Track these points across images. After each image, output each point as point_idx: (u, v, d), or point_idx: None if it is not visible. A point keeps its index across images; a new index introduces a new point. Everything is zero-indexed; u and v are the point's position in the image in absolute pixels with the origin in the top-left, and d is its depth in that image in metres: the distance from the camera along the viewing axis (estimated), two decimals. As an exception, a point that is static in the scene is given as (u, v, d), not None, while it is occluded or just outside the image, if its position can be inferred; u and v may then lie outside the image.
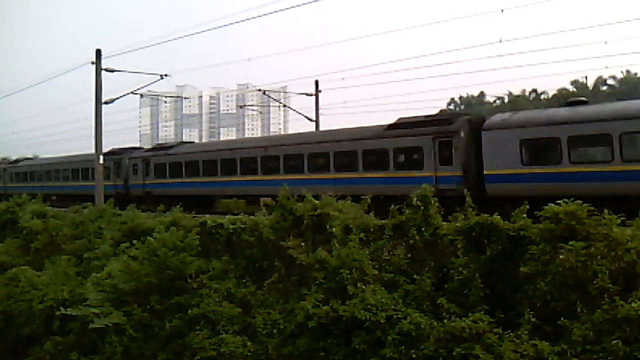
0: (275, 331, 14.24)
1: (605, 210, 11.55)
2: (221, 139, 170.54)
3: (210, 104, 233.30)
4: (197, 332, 15.20)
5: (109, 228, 22.91)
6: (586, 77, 76.85)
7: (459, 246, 12.92)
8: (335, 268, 13.75)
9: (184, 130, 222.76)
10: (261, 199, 24.10)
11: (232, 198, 29.52)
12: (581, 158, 18.28)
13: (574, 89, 75.79)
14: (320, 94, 41.80)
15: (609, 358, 9.85)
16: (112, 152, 38.96)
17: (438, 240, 13.70)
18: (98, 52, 32.11)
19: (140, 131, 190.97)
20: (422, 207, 14.02)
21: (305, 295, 14.11)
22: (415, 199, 14.26)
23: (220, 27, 40.90)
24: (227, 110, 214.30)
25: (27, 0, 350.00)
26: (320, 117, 41.54)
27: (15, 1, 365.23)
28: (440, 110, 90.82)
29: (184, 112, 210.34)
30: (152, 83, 34.02)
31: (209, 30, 43.68)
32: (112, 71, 32.23)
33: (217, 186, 30.57)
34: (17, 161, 58.58)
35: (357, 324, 12.66)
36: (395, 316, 12.40)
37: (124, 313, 16.64)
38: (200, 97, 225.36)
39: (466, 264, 12.47)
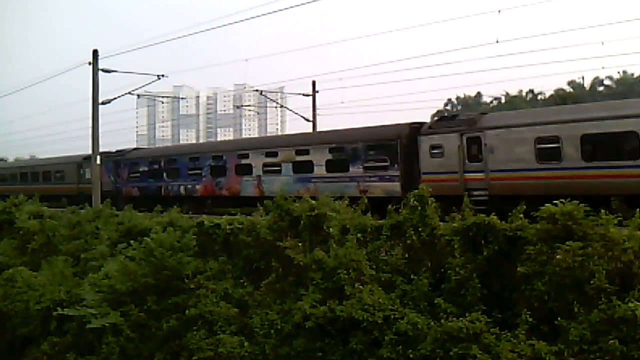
0: (272, 331, 14.23)
1: (603, 211, 11.60)
2: (218, 139, 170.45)
3: (208, 104, 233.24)
4: (195, 333, 15.18)
5: (106, 228, 22.85)
6: (583, 78, 77.24)
7: (456, 246, 12.93)
8: (333, 268, 13.75)
9: (181, 131, 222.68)
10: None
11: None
12: None
13: (571, 90, 76.04)
14: (317, 94, 41.89)
15: (606, 358, 9.87)
16: None
17: (435, 240, 13.71)
18: (95, 53, 32.07)
19: (137, 132, 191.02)
20: (419, 208, 14.03)
21: (303, 295, 14.10)
22: (412, 199, 14.28)
23: (217, 27, 41.03)
24: (225, 110, 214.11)
25: (25, 0, 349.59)
26: (318, 118, 41.62)
27: (14, 1, 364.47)
28: (436, 111, 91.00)
29: (181, 112, 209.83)
30: (149, 83, 34.04)
31: (206, 30, 43.61)
32: (109, 71, 32.19)
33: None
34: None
35: (355, 324, 12.66)
36: (392, 316, 12.40)
37: (121, 313, 16.59)
38: (198, 97, 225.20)
39: (463, 264, 12.48)
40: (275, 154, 27.81)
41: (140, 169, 36.27)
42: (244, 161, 29.24)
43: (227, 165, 30.21)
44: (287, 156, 27.22)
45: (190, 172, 32.32)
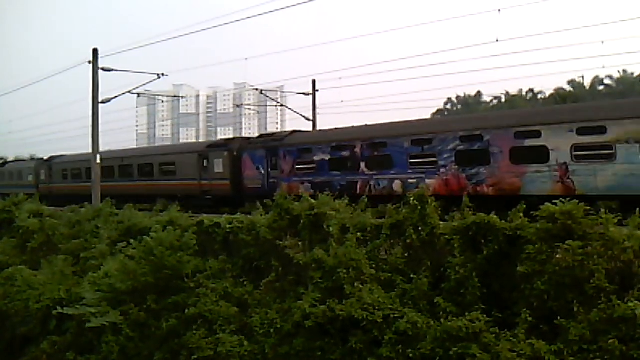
0: (272, 331, 14.25)
1: (602, 210, 11.60)
2: (218, 137, 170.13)
3: (208, 103, 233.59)
4: (194, 332, 15.19)
5: (105, 227, 22.87)
6: (583, 77, 77.22)
7: (455, 246, 12.93)
8: (333, 267, 13.76)
9: (181, 130, 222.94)
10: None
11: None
12: None
13: (571, 89, 76.06)
14: (317, 94, 41.87)
15: (606, 357, 9.88)
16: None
17: (435, 239, 13.71)
18: (95, 52, 32.03)
19: (137, 130, 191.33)
20: (419, 207, 14.03)
21: (303, 294, 14.12)
22: (412, 198, 14.27)
23: (217, 26, 41.13)
24: (225, 109, 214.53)
25: (25, 0, 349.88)
26: (318, 117, 41.60)
27: (14, 1, 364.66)
28: (436, 110, 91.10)
29: (181, 111, 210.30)
30: (148, 82, 33.94)
31: (206, 29, 43.64)
32: (109, 70, 32.13)
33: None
34: None
35: (354, 323, 12.67)
36: (392, 315, 12.41)
37: (121, 312, 16.61)
38: (198, 96, 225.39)
39: (463, 263, 12.48)
40: (600, 130, 18.09)
41: (316, 158, 26.51)
42: (529, 142, 19.65)
43: (491, 148, 20.56)
44: (632, 132, 17.41)
45: (413, 161, 22.96)
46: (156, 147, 39.87)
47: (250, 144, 30.77)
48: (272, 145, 28.90)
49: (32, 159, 55.19)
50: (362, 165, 24.58)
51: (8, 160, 65.06)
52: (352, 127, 28.18)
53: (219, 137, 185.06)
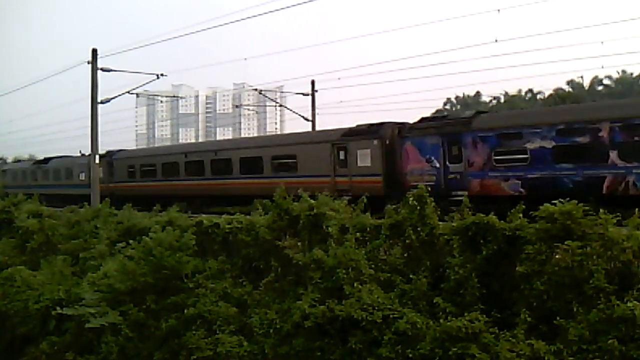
0: (271, 331, 14.24)
1: (601, 210, 11.60)
2: (218, 138, 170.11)
3: (207, 103, 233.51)
4: (194, 332, 15.19)
5: (105, 228, 22.84)
6: (582, 77, 77.38)
7: (455, 246, 12.92)
8: (332, 268, 13.75)
9: (180, 130, 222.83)
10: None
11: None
12: None
13: (570, 89, 76.15)
14: (316, 94, 41.88)
15: (605, 357, 9.89)
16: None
17: (434, 239, 13.70)
18: (94, 52, 32.05)
19: (136, 131, 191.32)
20: (418, 207, 14.02)
21: (302, 294, 14.10)
22: (411, 198, 14.26)
23: (216, 26, 41.07)
24: (224, 109, 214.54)
25: (25, 0, 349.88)
26: (317, 117, 41.60)
27: (14, 1, 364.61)
28: (435, 110, 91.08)
29: (180, 111, 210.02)
30: (148, 83, 33.96)
31: (205, 29, 43.67)
32: (108, 71, 32.16)
33: None
34: None
35: (354, 323, 12.66)
36: (391, 316, 12.40)
37: (120, 313, 16.60)
38: (197, 96, 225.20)
39: (462, 263, 12.47)
40: None
41: (529, 146, 19.67)
42: None
43: None
44: None
45: None
46: (268, 137, 31.95)
47: (412, 130, 23.78)
48: (453, 130, 22.17)
49: (82, 154, 46.59)
50: (613, 154, 18.06)
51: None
52: (594, 103, 22.06)
53: (219, 137, 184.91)
